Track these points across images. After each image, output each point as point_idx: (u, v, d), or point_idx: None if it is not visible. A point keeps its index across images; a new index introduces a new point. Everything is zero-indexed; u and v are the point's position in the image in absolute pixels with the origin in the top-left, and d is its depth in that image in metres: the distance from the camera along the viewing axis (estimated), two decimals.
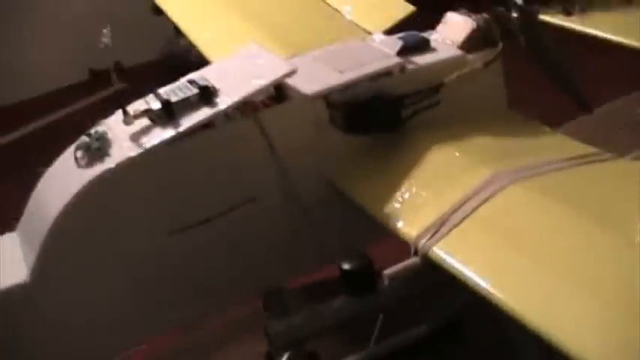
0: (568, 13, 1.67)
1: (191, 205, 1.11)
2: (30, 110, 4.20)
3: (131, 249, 1.08)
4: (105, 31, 1.13)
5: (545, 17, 1.68)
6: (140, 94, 1.19)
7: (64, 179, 1.09)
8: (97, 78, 4.78)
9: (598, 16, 1.72)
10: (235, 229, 1.14)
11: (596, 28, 1.66)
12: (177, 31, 5.20)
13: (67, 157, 1.11)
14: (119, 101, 1.08)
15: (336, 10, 1.69)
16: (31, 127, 4.00)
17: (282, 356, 1.13)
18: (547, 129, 1.24)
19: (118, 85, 5.44)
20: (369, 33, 1.52)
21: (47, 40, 4.50)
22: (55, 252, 1.05)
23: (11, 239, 1.14)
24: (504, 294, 0.87)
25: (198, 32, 1.70)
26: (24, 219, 1.14)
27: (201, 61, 1.58)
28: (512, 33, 1.33)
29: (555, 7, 1.71)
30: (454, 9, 1.36)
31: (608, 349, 0.77)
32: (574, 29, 1.68)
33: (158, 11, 5.21)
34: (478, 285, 0.89)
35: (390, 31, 1.49)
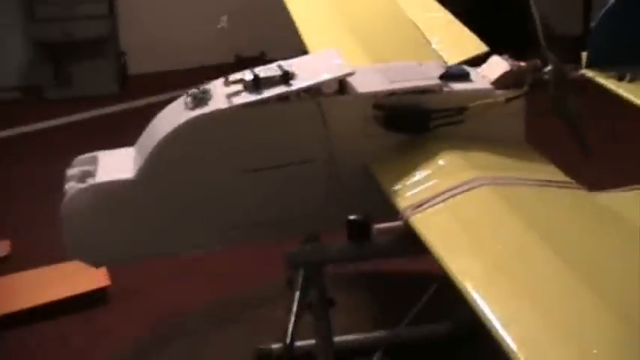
0: (620, 78, 1.92)
1: (259, 155, 1.52)
2: (171, 80, 4.75)
3: (210, 173, 1.50)
4: (223, 17, 1.53)
5: (597, 78, 1.96)
6: None
7: (173, 115, 1.52)
8: (242, 64, 5.28)
9: None
10: (287, 181, 1.53)
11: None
12: None
13: (181, 100, 1.54)
14: None
15: (426, 38, 2.07)
16: (169, 94, 4.55)
17: (298, 274, 1.52)
18: (543, 158, 1.56)
19: None
20: (445, 62, 1.89)
21: (200, 20, 5.04)
22: (155, 163, 1.47)
23: (128, 151, 1.58)
24: (448, 262, 1.19)
25: (310, 33, 2.11)
26: (141, 138, 1.58)
27: None
28: (542, 82, 1.67)
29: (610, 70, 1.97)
30: (500, 54, 1.72)
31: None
32: (621, 95, 1.94)
33: None
34: (432, 251, 1.23)
35: (463, 63, 1.86)
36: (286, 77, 1.50)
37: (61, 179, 1.58)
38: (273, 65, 1.54)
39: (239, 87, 1.51)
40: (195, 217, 1.52)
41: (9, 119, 4.50)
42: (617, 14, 1.97)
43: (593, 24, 2.00)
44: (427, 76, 1.60)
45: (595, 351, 0.97)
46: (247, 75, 1.50)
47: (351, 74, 1.53)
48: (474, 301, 1.06)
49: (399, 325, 2.14)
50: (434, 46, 2.01)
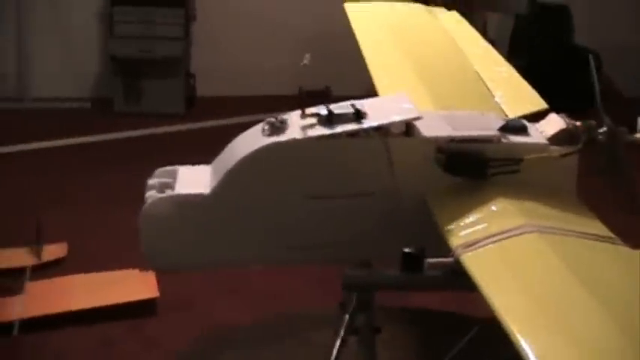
0: None
1: (326, 184, 1.64)
2: (235, 105, 4.91)
3: (278, 196, 1.63)
4: (307, 55, 1.67)
5: None
6: None
7: (251, 139, 1.66)
8: (305, 97, 5.43)
9: None
10: (350, 210, 1.65)
11: None
12: None
13: (259, 127, 1.68)
14: None
15: (490, 91, 2.19)
16: (232, 119, 4.71)
17: (351, 298, 1.63)
18: (591, 213, 1.65)
19: None
20: (506, 115, 2.01)
21: (268, 50, 5.22)
22: (229, 182, 1.61)
23: (206, 168, 1.72)
24: (493, 298, 1.30)
25: (379, 75, 2.24)
26: (218, 157, 1.72)
27: None
28: (595, 142, 1.77)
29: None
30: (558, 113, 1.82)
31: None
32: None
33: None
34: (479, 287, 1.34)
35: (522, 118, 1.97)
36: (358, 115, 1.63)
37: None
38: (347, 103, 1.67)
39: (314, 120, 1.64)
40: (260, 234, 1.65)
41: (78, 128, 4.72)
42: None
43: None
44: (488, 126, 1.71)
45: None
46: (322, 110, 1.63)
47: (418, 118, 1.65)
48: (514, 334, 1.16)
49: None
50: (496, 99, 2.12)
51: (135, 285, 2.95)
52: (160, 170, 1.74)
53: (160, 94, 5.01)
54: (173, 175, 1.70)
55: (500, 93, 2.16)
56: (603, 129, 1.79)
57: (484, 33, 5.32)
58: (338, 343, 1.76)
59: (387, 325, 2.10)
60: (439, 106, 2.00)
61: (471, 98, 2.14)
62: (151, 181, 1.70)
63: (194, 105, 5.18)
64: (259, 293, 3.00)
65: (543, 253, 1.42)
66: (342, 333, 1.76)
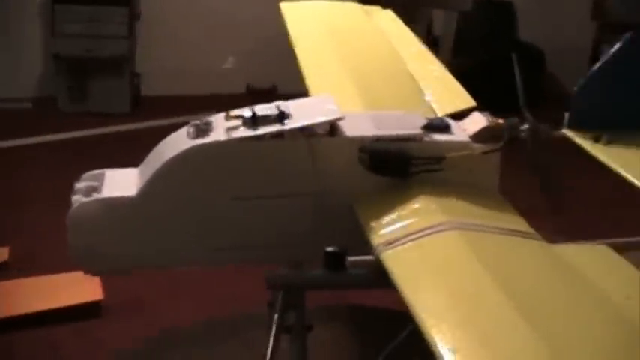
0: (596, 140, 2.01)
1: (251, 185, 1.65)
2: (182, 105, 4.91)
3: (204, 198, 1.64)
4: (230, 58, 1.68)
5: (575, 139, 2.09)
6: None
7: (176, 142, 1.66)
8: (252, 95, 5.44)
9: (623, 152, 2.09)
10: (275, 211, 1.67)
11: (614, 162, 2.02)
12: None
13: (184, 130, 1.68)
14: None
15: (421, 90, 2.21)
16: (178, 118, 4.70)
17: (277, 296, 1.65)
18: (512, 209, 1.69)
19: None
20: (435, 113, 2.04)
21: (215, 49, 5.21)
22: (155, 185, 1.62)
23: (133, 172, 1.72)
24: (409, 295, 1.32)
25: (311, 74, 2.26)
26: (145, 160, 1.72)
27: None
28: (518, 139, 1.81)
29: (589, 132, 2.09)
30: (481, 111, 1.86)
31: None
32: (595, 157, 2.06)
33: None
34: (397, 284, 1.36)
35: (452, 117, 2.00)
36: (282, 117, 1.64)
37: (65, 192, 1.72)
38: (272, 105, 1.69)
39: (238, 122, 1.65)
40: (187, 236, 1.65)
41: (21, 128, 4.66)
42: (598, 80, 2.11)
43: (575, 88, 2.14)
44: (411, 125, 1.74)
45: None
46: (246, 112, 1.65)
47: (341, 119, 1.67)
48: (426, 329, 1.19)
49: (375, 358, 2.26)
50: (427, 97, 2.15)
51: (79, 287, 2.94)
52: (87, 174, 1.73)
53: (105, 93, 4.98)
54: (100, 179, 1.70)
55: (430, 91, 2.19)
56: (526, 126, 1.83)
57: (429, 30, 5.40)
58: (271, 342, 1.77)
59: (323, 322, 2.12)
60: (369, 106, 2.02)
61: (402, 97, 2.17)
62: (78, 185, 1.69)
63: (139, 104, 5.15)
64: (207, 294, 3.01)
65: (460, 249, 1.45)
66: (273, 332, 1.78)
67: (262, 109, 1.67)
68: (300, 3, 2.82)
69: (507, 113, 1.88)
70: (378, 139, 1.69)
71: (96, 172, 1.74)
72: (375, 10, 2.82)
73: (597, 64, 2.11)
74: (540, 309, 1.28)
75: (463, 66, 5.29)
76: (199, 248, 1.67)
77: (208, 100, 4.62)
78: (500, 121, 1.80)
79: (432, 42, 5.22)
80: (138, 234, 1.64)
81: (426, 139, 1.72)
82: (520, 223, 1.63)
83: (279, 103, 1.69)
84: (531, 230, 1.61)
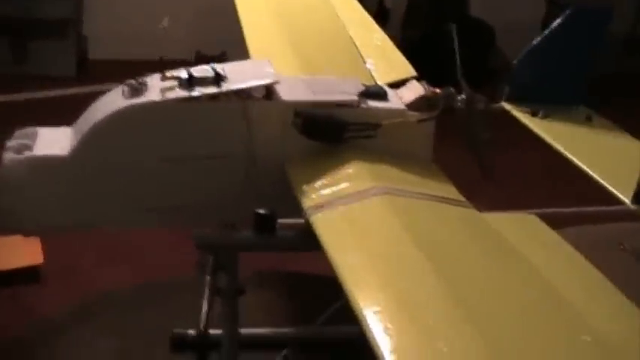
0: (533, 114, 2.07)
1: (184, 146, 1.65)
2: (129, 70, 4.83)
3: (136, 158, 1.63)
4: (165, 18, 1.67)
5: (513, 112, 2.12)
6: None
7: (111, 102, 1.65)
8: (201, 61, 5.39)
9: (558, 126, 2.13)
10: (208, 172, 1.66)
11: (550, 136, 2.07)
12: None
13: (119, 90, 1.66)
14: None
15: (362, 58, 2.22)
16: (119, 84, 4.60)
17: (208, 258, 1.65)
18: (444, 178, 1.72)
19: None
20: (375, 82, 2.05)
21: (165, 14, 5.13)
22: (87, 144, 1.60)
23: (66, 131, 1.70)
24: (334, 256, 1.34)
25: (253, 40, 2.25)
26: (80, 119, 1.70)
27: None
28: (453, 109, 1.83)
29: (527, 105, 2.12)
30: (419, 80, 1.88)
31: None
32: (532, 130, 2.10)
33: None
34: (323, 246, 1.38)
35: (392, 85, 2.01)
36: (217, 79, 1.64)
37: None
38: (208, 67, 1.67)
39: (174, 83, 1.64)
40: (119, 197, 1.64)
41: None
42: (536, 56, 2.15)
43: (514, 62, 2.17)
44: (347, 91, 1.75)
45: (445, 349, 1.11)
46: (182, 73, 1.63)
47: (276, 82, 1.67)
48: (348, 289, 1.21)
49: (312, 323, 2.27)
50: (368, 65, 2.16)
51: (18, 251, 2.90)
52: (19, 132, 1.71)
53: (49, 56, 4.86)
54: (33, 137, 1.67)
55: (371, 60, 2.20)
56: (461, 96, 1.85)
57: (380, 2, 5.40)
58: (205, 305, 1.77)
59: (256, 288, 2.13)
60: (308, 72, 2.03)
61: (341, 64, 2.17)
62: (10, 143, 1.66)
63: (86, 68, 5.06)
64: (145, 260, 3.00)
65: (386, 214, 1.47)
66: (206, 295, 1.78)
67: (199, 70, 1.66)
68: None
69: (452, 85, 1.90)
70: (313, 104, 1.69)
71: (29, 129, 1.71)
72: None
73: (536, 40, 2.15)
74: (459, 272, 1.30)
75: (412, 38, 5.35)
76: (129, 209, 1.67)
77: (157, 66, 4.56)
78: (437, 90, 1.82)
79: (382, 13, 5.22)
80: (68, 193, 1.62)
81: (362, 105, 1.73)
82: (451, 191, 1.66)
83: (216, 65, 1.69)
84: (462, 198, 1.64)
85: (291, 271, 2.69)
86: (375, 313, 1.16)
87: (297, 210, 1.56)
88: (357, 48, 2.27)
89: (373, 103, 1.75)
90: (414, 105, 1.78)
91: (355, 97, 1.73)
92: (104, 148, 1.61)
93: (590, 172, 1.81)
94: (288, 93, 1.70)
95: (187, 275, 2.35)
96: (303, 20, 2.42)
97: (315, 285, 2.61)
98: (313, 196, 1.55)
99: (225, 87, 1.64)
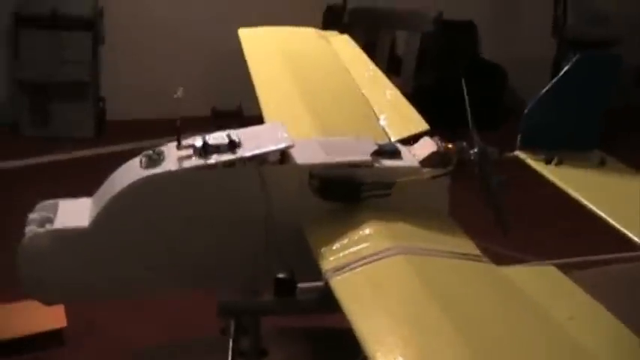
0: (547, 161, 2.07)
1: (203, 213, 1.67)
2: (147, 129, 4.88)
3: (156, 228, 1.65)
4: (180, 88, 1.71)
5: (528, 160, 2.13)
6: None
7: (129, 172, 1.68)
8: (218, 117, 5.44)
9: (573, 173, 2.14)
10: (227, 237, 1.69)
11: (565, 183, 2.07)
12: None
13: (137, 160, 1.70)
14: None
15: (375, 115, 2.25)
16: (144, 142, 4.68)
17: (229, 322, 1.67)
18: (461, 232, 1.72)
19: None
20: (389, 138, 2.07)
21: (180, 72, 5.22)
22: (107, 215, 1.63)
23: (86, 202, 1.74)
24: (355, 320, 1.35)
25: (267, 101, 2.29)
26: (98, 191, 1.73)
27: None
28: (467, 163, 1.85)
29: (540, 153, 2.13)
30: (432, 136, 1.90)
31: None
32: (547, 177, 2.11)
33: None
34: (344, 310, 1.39)
35: (405, 141, 2.04)
36: (232, 145, 1.67)
37: (24, 218, 1.73)
38: (223, 133, 1.71)
39: (190, 152, 1.67)
40: (139, 266, 1.67)
41: None
42: (547, 102, 2.16)
43: (526, 110, 2.19)
44: (361, 151, 1.77)
45: None
46: (197, 141, 1.67)
47: (291, 147, 1.69)
48: (369, 353, 1.22)
49: None
50: (381, 122, 2.19)
51: (41, 315, 2.91)
52: (40, 204, 1.75)
53: (69, 118, 4.96)
54: (54, 209, 1.71)
55: (384, 116, 2.22)
56: (474, 150, 1.87)
57: (392, 50, 5.46)
58: None
59: (278, 346, 2.13)
60: (322, 131, 2.05)
61: (355, 122, 2.20)
62: (32, 216, 1.70)
63: (105, 129, 5.14)
64: (167, 319, 3.01)
65: (405, 274, 1.48)
66: (229, 358, 1.79)
67: (213, 138, 1.69)
68: (258, 29, 2.86)
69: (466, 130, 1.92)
70: (328, 166, 1.72)
71: (49, 202, 1.75)
72: (332, 35, 2.86)
73: (547, 86, 2.17)
74: (481, 330, 1.31)
75: (425, 84, 5.39)
76: (153, 276, 1.69)
77: (174, 124, 4.60)
78: (450, 145, 1.84)
79: (395, 61, 5.28)
80: (90, 264, 1.65)
81: (376, 164, 1.75)
82: (469, 246, 1.67)
83: (230, 131, 1.72)
84: (479, 253, 1.64)
85: (314, 325, 2.69)
86: None
87: (316, 271, 1.57)
88: (369, 104, 2.30)
89: (387, 162, 1.77)
90: (428, 161, 1.80)
91: (369, 157, 1.76)
92: (123, 218, 1.64)
93: (606, 217, 1.82)
94: (301, 156, 1.73)
95: (212, 335, 2.37)
96: (315, 79, 2.46)
97: (339, 339, 2.61)
98: (332, 258, 1.56)
99: (240, 153, 1.67)
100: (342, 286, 1.46)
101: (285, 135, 1.73)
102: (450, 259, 1.58)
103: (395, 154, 1.80)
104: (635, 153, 2.18)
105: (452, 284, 1.49)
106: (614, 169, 2.13)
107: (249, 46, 2.66)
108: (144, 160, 1.67)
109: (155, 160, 1.66)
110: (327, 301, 1.51)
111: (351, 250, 1.57)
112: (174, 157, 1.67)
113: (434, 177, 1.77)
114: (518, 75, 5.99)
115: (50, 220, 1.67)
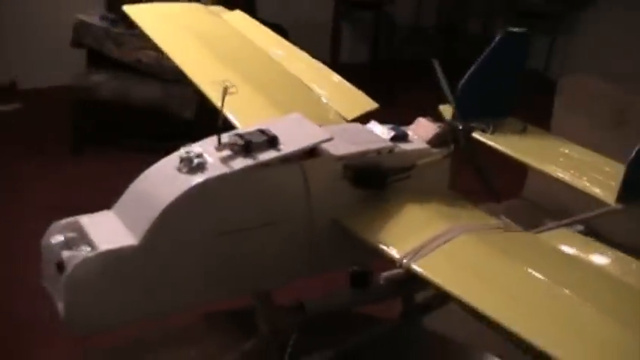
0: (483, 130, 2.24)
1: (250, 215, 1.61)
2: None
3: (208, 235, 1.56)
4: (232, 85, 1.58)
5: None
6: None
7: (167, 179, 1.55)
8: None
9: (507, 138, 2.28)
10: (272, 237, 1.64)
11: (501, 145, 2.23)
12: (89, 67, 5.74)
13: (171, 164, 1.57)
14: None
15: (316, 94, 2.23)
16: None
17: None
18: (471, 205, 1.85)
19: (12, 105, 5.68)
20: (345, 118, 2.09)
21: None
22: (161, 228, 1.50)
23: (109, 215, 1.57)
24: (466, 298, 1.42)
25: (207, 88, 2.15)
26: (123, 201, 1.58)
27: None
28: (456, 140, 1.96)
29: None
30: (423, 115, 1.97)
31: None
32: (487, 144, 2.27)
33: (78, 45, 5.70)
34: (445, 290, 1.45)
35: (354, 120, 2.07)
36: (273, 142, 1.62)
37: None
38: (254, 129, 1.65)
39: (229, 152, 1.59)
40: (197, 278, 1.57)
41: None
42: (475, 77, 2.33)
43: (459, 86, 2.34)
44: (379, 138, 1.81)
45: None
46: (238, 140, 1.59)
47: (330, 139, 1.68)
48: (505, 327, 1.28)
49: None
50: (324, 101, 2.19)
51: None
52: (56, 225, 1.55)
53: None
54: (79, 229, 1.53)
55: (325, 94, 2.23)
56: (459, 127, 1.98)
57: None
58: None
59: None
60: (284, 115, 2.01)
61: (306, 104, 2.17)
62: (53, 240, 1.51)
63: None
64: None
65: (484, 250, 1.57)
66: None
67: (250, 135, 1.62)
68: (142, 5, 2.66)
69: None
70: (359, 155, 1.74)
71: (66, 221, 1.56)
72: (222, 11, 2.75)
73: (475, 64, 2.33)
74: (595, 293, 1.43)
75: None
76: (203, 288, 1.60)
77: None
78: (442, 125, 1.94)
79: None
80: (144, 284, 1.52)
81: (397, 149, 1.80)
82: (494, 219, 1.79)
83: (260, 127, 1.66)
84: (498, 221, 1.77)
85: None
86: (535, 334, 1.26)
87: (354, 263, 1.61)
88: (304, 83, 2.27)
89: (404, 146, 1.83)
90: (434, 142, 1.88)
91: (390, 143, 1.80)
92: (179, 230, 1.53)
93: (569, 181, 2.04)
94: (332, 147, 1.72)
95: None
96: (238, 57, 2.37)
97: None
98: (400, 244, 1.59)
99: (284, 150, 1.63)
100: (429, 268, 1.51)
101: (317, 127, 1.72)
102: (500, 233, 1.69)
103: (405, 137, 1.86)
104: None
105: (529, 254, 1.60)
106: (535, 133, 2.37)
107: (148, 26, 2.49)
108: (182, 165, 1.56)
109: (198, 163, 1.56)
110: (399, 287, 1.55)
111: (416, 235, 1.61)
112: (216, 158, 1.58)
113: (445, 157, 1.86)
114: (298, 33, 6.20)
115: (85, 242, 1.50)
